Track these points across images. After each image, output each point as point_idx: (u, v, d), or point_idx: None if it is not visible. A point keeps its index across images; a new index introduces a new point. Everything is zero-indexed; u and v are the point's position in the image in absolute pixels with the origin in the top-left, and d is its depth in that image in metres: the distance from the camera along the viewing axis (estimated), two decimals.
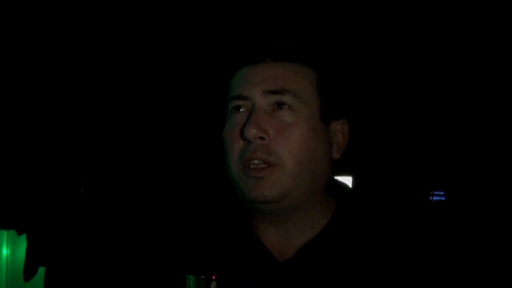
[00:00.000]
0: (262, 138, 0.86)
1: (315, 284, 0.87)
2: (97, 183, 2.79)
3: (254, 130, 0.85)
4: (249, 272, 0.90)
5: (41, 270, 2.45)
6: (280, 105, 0.88)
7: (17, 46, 2.73)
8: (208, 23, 2.97)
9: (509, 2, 3.01)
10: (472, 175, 3.89)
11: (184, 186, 2.91)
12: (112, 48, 2.95)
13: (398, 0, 3.08)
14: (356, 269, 0.87)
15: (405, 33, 3.35)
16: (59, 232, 2.49)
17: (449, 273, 0.88)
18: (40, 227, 2.46)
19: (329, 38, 3.04)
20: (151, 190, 2.86)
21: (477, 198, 3.73)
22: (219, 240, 0.95)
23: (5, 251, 2.51)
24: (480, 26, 3.24)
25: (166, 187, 2.91)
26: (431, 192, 4.34)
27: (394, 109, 3.92)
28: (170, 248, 0.99)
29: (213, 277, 0.82)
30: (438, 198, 4.44)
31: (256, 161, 0.86)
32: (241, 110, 0.90)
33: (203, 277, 0.82)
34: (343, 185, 1.00)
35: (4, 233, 2.53)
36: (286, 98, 0.87)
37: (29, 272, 2.41)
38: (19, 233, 2.49)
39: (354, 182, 3.68)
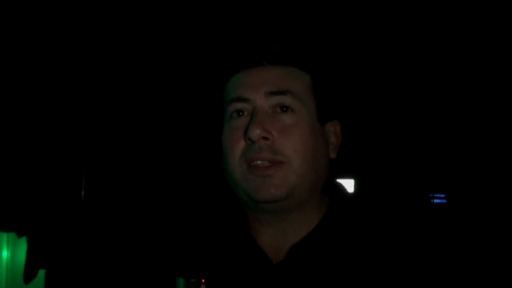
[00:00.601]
0: (265, 139, 0.86)
1: (310, 284, 0.87)
2: (98, 186, 2.79)
3: (258, 131, 0.85)
4: (243, 273, 0.90)
5: (41, 272, 2.44)
6: (282, 107, 0.89)
7: (18, 46, 2.73)
8: (202, 27, 2.97)
9: (509, 2, 3.01)
10: (472, 177, 3.88)
11: (179, 188, 2.91)
12: (106, 52, 2.96)
13: (390, 3, 3.09)
14: (350, 268, 0.87)
15: (404, 34, 3.36)
16: (59, 234, 2.48)
17: (438, 267, 0.88)
18: (40, 229, 2.45)
19: (322, 42, 3.06)
20: (148, 192, 2.86)
21: (477, 200, 3.73)
22: (213, 241, 0.96)
23: (5, 253, 2.51)
24: (480, 26, 3.24)
25: (162, 189, 2.91)
26: (432, 195, 4.35)
27: (393, 110, 3.92)
28: (162, 250, 0.99)
29: (203, 281, 0.82)
30: (439, 201, 4.45)
31: (259, 162, 0.86)
32: (241, 114, 0.90)
33: (193, 280, 0.82)
34: (337, 184, 1.01)
35: (4, 235, 2.53)
36: (287, 99, 0.89)
37: (29, 274, 2.40)
38: (19, 235, 2.49)
39: (356, 185, 3.68)
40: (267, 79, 0.90)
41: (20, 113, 2.73)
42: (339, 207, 0.96)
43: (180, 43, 3.07)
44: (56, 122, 2.80)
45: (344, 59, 3.25)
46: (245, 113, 0.90)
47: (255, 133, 0.85)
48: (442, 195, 4.41)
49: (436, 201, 4.46)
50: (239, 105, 0.90)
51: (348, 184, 4.11)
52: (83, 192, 2.72)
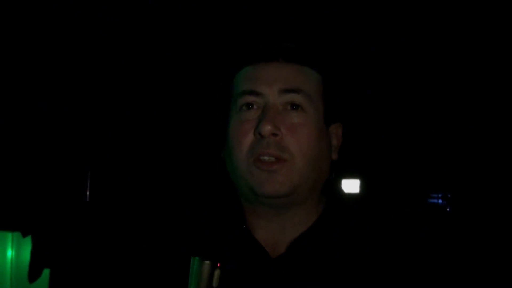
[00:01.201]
0: (274, 135, 0.88)
1: (308, 279, 0.88)
2: (102, 186, 2.79)
3: (270, 127, 0.86)
4: (241, 267, 0.91)
5: (46, 272, 2.44)
6: (292, 106, 0.90)
7: (19, 46, 2.74)
8: (213, 21, 2.97)
9: (509, 2, 3.00)
10: (474, 177, 3.87)
11: (177, 184, 2.92)
12: (110, 50, 2.96)
13: (391, 4, 3.10)
14: (348, 263, 0.89)
15: (404, 34, 3.35)
16: (64, 234, 2.48)
17: (432, 260, 0.89)
18: (45, 229, 2.46)
19: (334, 44, 3.06)
20: (150, 190, 2.87)
21: (477, 200, 3.73)
22: (211, 236, 0.96)
23: (9, 253, 2.51)
24: (480, 26, 3.23)
25: (163, 187, 2.92)
26: (437, 195, 4.34)
27: (399, 112, 3.92)
28: (162, 249, 0.99)
29: (218, 265, 0.82)
30: (440, 201, 4.45)
31: (266, 157, 0.87)
32: (251, 107, 0.91)
33: (208, 262, 0.81)
34: (334, 184, 1.03)
35: (9, 235, 2.52)
36: (299, 98, 0.90)
37: (34, 274, 2.40)
38: (24, 235, 2.49)
39: (361, 185, 3.68)
40: (281, 75, 0.91)
41: (26, 114, 2.74)
42: (337, 205, 0.97)
43: (185, 37, 3.07)
44: (62, 123, 2.80)
45: (351, 62, 3.26)
46: (255, 107, 0.91)
47: (267, 129, 0.86)
48: (446, 195, 4.40)
49: (439, 201, 4.46)
50: (251, 98, 0.91)
51: (354, 184, 4.12)
52: (88, 192, 2.72)
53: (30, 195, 2.51)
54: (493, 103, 3.63)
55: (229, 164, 0.93)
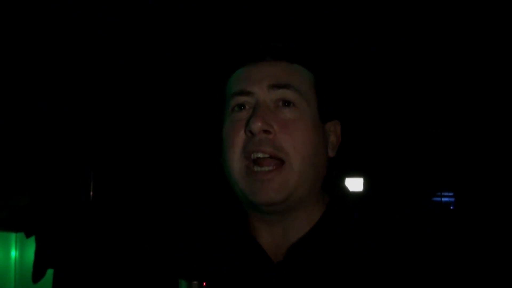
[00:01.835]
0: (267, 132, 0.86)
1: (309, 283, 0.87)
2: (106, 187, 2.79)
3: (260, 123, 0.85)
4: (244, 273, 0.90)
5: (50, 272, 2.44)
6: (284, 102, 0.89)
7: (19, 46, 2.74)
8: (205, 23, 2.97)
9: (509, 2, 2.99)
10: (478, 176, 3.86)
11: (180, 187, 2.91)
12: (110, 50, 2.96)
13: (391, 4, 3.09)
14: (350, 266, 0.87)
15: (404, 34, 3.34)
16: (68, 234, 2.48)
17: (436, 264, 0.88)
18: (48, 229, 2.46)
19: (325, 41, 3.06)
20: (153, 193, 2.86)
21: (481, 200, 3.71)
22: (214, 240, 0.96)
23: (13, 253, 2.51)
24: (481, 26, 3.22)
25: (167, 190, 2.92)
26: (440, 193, 4.33)
27: (401, 111, 3.90)
28: (166, 252, 1.00)
29: (204, 284, 0.83)
30: (447, 199, 4.43)
31: (260, 155, 0.86)
32: (243, 108, 0.90)
33: (195, 282, 0.83)
34: (337, 183, 1.01)
35: (13, 235, 2.53)
36: (290, 94, 0.89)
37: (37, 274, 2.40)
38: (28, 235, 2.49)
39: (365, 183, 3.67)
40: (270, 73, 0.90)
41: (30, 115, 2.74)
42: (339, 205, 0.96)
43: (182, 40, 3.07)
44: (66, 124, 2.81)
45: (347, 59, 3.25)
46: (247, 107, 0.90)
47: (256, 125, 0.85)
48: (450, 194, 4.39)
49: (444, 199, 4.45)
50: (242, 99, 0.90)
51: (358, 183, 4.11)
52: (91, 193, 2.73)
53: (33, 196, 2.51)
54: (499, 103, 3.61)
55: (225, 168, 0.92)
